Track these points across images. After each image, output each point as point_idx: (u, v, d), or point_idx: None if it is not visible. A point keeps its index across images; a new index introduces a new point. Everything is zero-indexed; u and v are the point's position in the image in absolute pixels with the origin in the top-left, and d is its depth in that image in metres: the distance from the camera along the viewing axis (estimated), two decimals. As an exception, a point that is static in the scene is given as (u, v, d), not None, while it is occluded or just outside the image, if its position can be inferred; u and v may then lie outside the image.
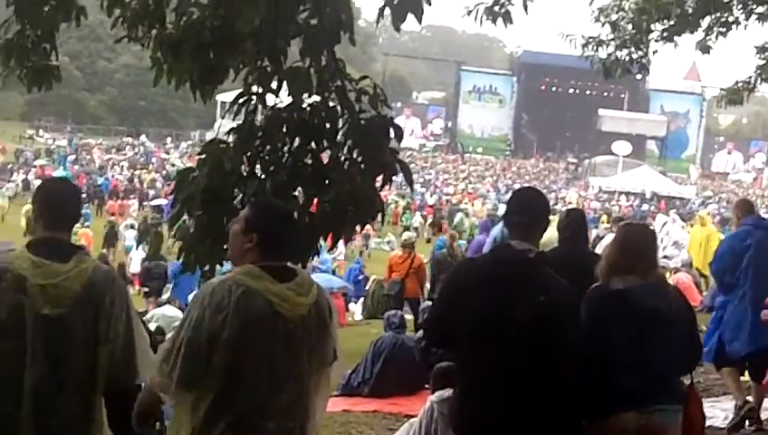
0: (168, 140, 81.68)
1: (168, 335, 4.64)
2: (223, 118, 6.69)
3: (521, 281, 4.87)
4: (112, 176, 54.93)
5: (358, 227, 6.20)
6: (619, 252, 5.42)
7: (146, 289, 23.20)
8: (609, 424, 5.07)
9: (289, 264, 4.28)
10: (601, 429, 5.10)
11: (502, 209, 26.60)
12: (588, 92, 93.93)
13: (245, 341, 3.95)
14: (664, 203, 60.08)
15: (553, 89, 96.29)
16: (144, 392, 4.23)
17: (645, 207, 60.15)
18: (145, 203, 44.49)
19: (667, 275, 20.71)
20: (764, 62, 14.15)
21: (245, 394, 3.97)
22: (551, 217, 5.36)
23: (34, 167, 54.76)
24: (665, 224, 27.88)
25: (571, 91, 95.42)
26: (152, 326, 14.92)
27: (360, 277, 25.62)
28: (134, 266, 26.70)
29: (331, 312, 4.31)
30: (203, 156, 5.94)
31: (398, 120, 6.92)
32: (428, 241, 40.99)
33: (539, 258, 5.01)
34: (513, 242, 5.03)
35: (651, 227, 7.36)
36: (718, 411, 9.38)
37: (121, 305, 4.36)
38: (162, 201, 38.06)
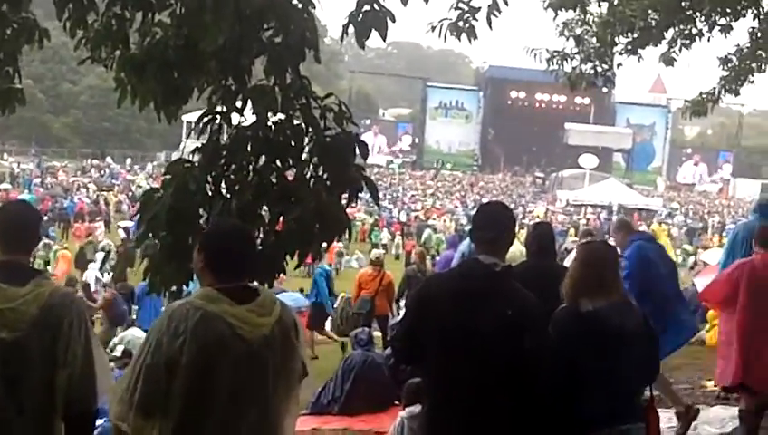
0: (129, 161, 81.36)
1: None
2: (188, 138, 6.65)
3: (488, 295, 4.88)
4: (78, 198, 54.64)
5: (326, 245, 6.19)
6: (582, 271, 5.44)
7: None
8: None
9: (256, 283, 4.27)
10: None
11: (469, 224, 26.62)
12: (554, 106, 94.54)
13: (204, 365, 3.91)
14: (637, 215, 60.43)
15: (520, 103, 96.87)
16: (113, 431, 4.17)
17: (614, 218, 60.43)
18: (120, 224, 44.22)
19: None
20: (728, 73, 14.23)
21: (208, 420, 3.93)
22: (518, 231, 5.37)
23: (-1, 190, 54.36)
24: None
25: (537, 105, 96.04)
26: (120, 349, 14.86)
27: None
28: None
29: (297, 330, 4.28)
30: (168, 176, 5.91)
31: (365, 137, 6.93)
32: (397, 258, 41.05)
33: (506, 272, 5.02)
34: (480, 256, 5.05)
35: (612, 244, 7.38)
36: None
37: (80, 328, 4.32)
38: (129, 223, 37.86)
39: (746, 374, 8.28)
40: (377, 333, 15.96)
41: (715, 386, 10.38)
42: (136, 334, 15.78)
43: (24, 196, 47.73)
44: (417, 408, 7.79)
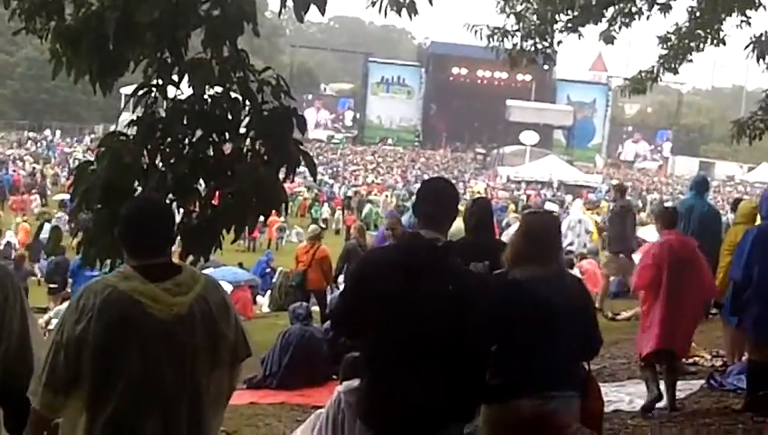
0: (60, 133, 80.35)
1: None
2: (124, 110, 6.59)
3: (429, 270, 4.88)
4: (14, 171, 53.95)
5: (262, 219, 6.18)
6: (523, 240, 5.48)
7: (52, 285, 23.00)
8: (504, 410, 5.14)
9: (185, 260, 4.21)
10: (497, 415, 5.17)
11: (411, 200, 26.68)
12: (496, 83, 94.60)
13: (111, 344, 3.86)
14: (586, 193, 61.04)
15: (462, 80, 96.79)
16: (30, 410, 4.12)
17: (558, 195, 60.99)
18: (55, 198, 43.82)
19: (575, 260, 21.06)
20: (667, 52, 14.35)
21: (118, 398, 3.88)
22: (459, 208, 5.38)
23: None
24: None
25: (479, 81, 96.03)
26: (55, 322, 14.71)
27: (268, 270, 25.47)
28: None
29: (227, 307, 4.22)
30: (102, 149, 5.86)
31: (307, 112, 6.91)
32: (337, 232, 41.06)
33: (447, 247, 5.02)
34: (422, 231, 5.04)
35: (555, 214, 7.48)
36: (623, 395, 9.59)
37: (14, 302, 4.24)
38: (65, 196, 37.52)
39: (665, 342, 8.85)
40: (315, 308, 15.97)
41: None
42: (71, 309, 15.65)
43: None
44: (354, 382, 7.77)
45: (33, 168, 57.02)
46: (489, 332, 4.99)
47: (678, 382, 9.34)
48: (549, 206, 43.45)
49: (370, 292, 4.94)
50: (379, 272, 4.99)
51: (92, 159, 6.16)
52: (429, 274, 4.86)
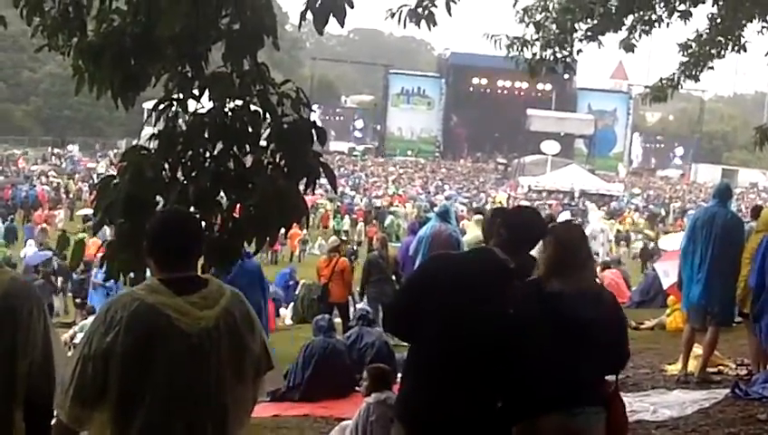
0: (81, 149, 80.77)
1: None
2: (146, 125, 6.63)
3: (494, 289, 4.91)
4: (38, 186, 54.30)
5: (284, 231, 6.22)
6: (555, 252, 5.43)
7: (77, 300, 23.22)
8: (533, 427, 5.11)
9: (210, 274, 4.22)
10: (526, 431, 5.14)
11: (432, 211, 26.68)
12: (516, 93, 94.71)
13: (139, 357, 3.86)
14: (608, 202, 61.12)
15: (482, 90, 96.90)
16: (54, 423, 4.14)
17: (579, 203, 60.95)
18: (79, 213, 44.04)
19: (597, 270, 20.99)
20: (687, 59, 14.31)
21: (145, 411, 3.88)
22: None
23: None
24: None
25: (499, 91, 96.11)
26: (80, 337, 14.77)
27: (291, 282, 25.53)
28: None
29: (251, 322, 4.22)
30: (124, 163, 5.89)
31: (328, 125, 6.93)
32: (359, 244, 41.10)
33: (517, 271, 5.04)
34: (496, 249, 5.07)
35: (579, 225, 7.46)
36: (647, 405, 9.51)
37: (38, 317, 4.27)
38: (89, 211, 37.67)
39: None
40: (338, 320, 16.00)
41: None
42: (96, 323, 15.72)
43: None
44: (383, 394, 7.79)
45: (58, 183, 57.37)
46: (524, 349, 4.99)
47: (703, 391, 9.30)
48: (564, 215, 43.36)
49: (430, 295, 4.99)
50: (444, 278, 5.04)
51: (115, 173, 6.19)
52: (494, 292, 4.91)
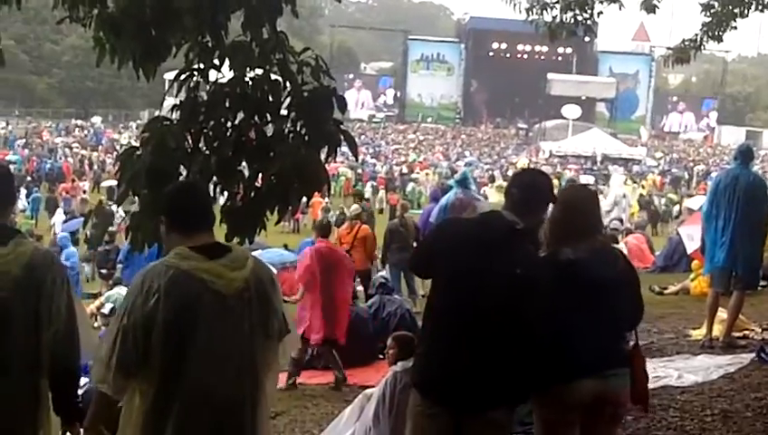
0: (113, 120, 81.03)
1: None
2: (167, 96, 6.62)
3: (502, 250, 4.95)
4: (62, 158, 54.49)
5: (305, 200, 6.22)
6: (562, 215, 5.44)
7: (103, 271, 23.38)
8: (566, 391, 5.12)
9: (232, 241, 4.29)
10: (558, 397, 5.15)
11: (453, 177, 26.63)
12: (536, 57, 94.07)
13: (180, 322, 3.95)
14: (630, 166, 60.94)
15: (502, 55, 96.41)
16: (95, 394, 4.19)
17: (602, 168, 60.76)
18: (103, 185, 44.19)
19: (620, 237, 20.90)
20: (710, 19, 14.13)
21: (187, 376, 3.95)
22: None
23: (-17, 151, 54.38)
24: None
25: (519, 56, 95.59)
26: (108, 307, 14.89)
27: (314, 251, 25.47)
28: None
29: (274, 284, 4.31)
30: (146, 134, 5.89)
31: (348, 93, 6.92)
32: (380, 211, 41.05)
33: (525, 232, 5.06)
34: (505, 212, 5.10)
35: (590, 187, 7.42)
36: (671, 371, 9.50)
37: (62, 286, 4.34)
38: (113, 182, 37.78)
39: None
40: (360, 288, 16.01)
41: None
42: (122, 293, 15.79)
43: (9, 157, 47.88)
44: (410, 362, 7.78)
45: (81, 155, 57.55)
46: (549, 317, 4.99)
47: (728, 356, 9.29)
48: (585, 179, 43.14)
49: (442, 258, 5.07)
50: (453, 241, 5.11)
51: (137, 144, 6.21)
52: (501, 253, 4.94)
